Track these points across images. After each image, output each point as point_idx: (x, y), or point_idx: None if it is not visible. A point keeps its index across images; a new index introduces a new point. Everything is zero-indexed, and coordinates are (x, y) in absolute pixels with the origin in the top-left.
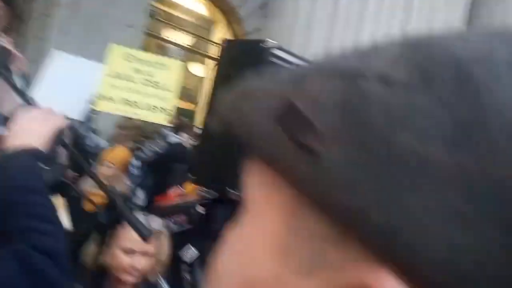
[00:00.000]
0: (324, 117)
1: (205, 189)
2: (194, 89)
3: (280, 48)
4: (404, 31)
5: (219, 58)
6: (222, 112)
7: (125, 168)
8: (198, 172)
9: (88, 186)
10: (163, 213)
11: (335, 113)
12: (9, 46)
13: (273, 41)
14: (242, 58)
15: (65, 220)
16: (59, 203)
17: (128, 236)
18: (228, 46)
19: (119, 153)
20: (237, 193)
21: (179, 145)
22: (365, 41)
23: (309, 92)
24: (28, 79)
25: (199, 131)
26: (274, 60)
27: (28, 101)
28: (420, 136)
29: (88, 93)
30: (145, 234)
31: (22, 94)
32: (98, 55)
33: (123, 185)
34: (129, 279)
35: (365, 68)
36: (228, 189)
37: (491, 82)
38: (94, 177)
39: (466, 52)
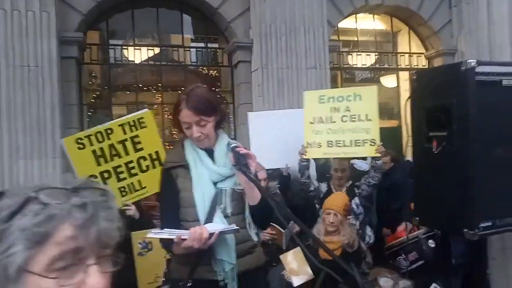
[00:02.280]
0: None
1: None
2: (391, 102)
3: (483, 63)
4: None
5: (411, 91)
6: None
7: (347, 213)
8: (424, 213)
9: (320, 234)
10: (395, 253)
11: None
12: (245, 151)
13: (472, 60)
14: (442, 87)
15: (306, 269)
16: (299, 252)
17: None
18: (419, 78)
19: (339, 198)
20: (473, 232)
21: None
22: None
23: None
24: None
25: (414, 169)
26: (481, 78)
27: (261, 190)
28: None
29: (292, 139)
30: None
31: (257, 184)
32: (292, 104)
33: (349, 229)
34: None
35: None
36: (465, 230)
37: None
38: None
39: None
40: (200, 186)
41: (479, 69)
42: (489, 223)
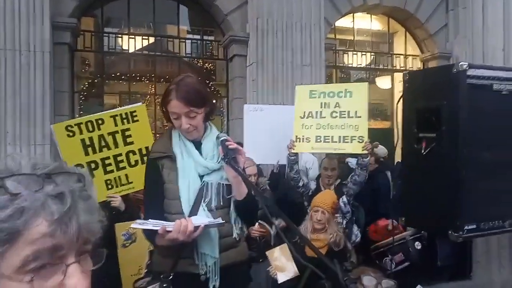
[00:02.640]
0: None
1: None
2: (385, 103)
3: (474, 66)
4: None
5: (403, 91)
6: None
7: (335, 211)
8: (411, 213)
9: (307, 231)
10: (382, 254)
11: None
12: (235, 146)
13: (464, 63)
14: (434, 88)
15: (292, 266)
16: (285, 249)
17: None
18: (411, 79)
19: (327, 196)
20: (457, 235)
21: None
22: None
23: None
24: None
25: (402, 170)
26: (473, 81)
27: (249, 185)
28: None
29: (286, 135)
30: None
31: (245, 179)
32: (285, 100)
33: (336, 227)
34: None
35: None
36: (449, 232)
37: None
38: (309, 244)
39: None
40: (185, 178)
41: (471, 72)
42: (474, 226)
